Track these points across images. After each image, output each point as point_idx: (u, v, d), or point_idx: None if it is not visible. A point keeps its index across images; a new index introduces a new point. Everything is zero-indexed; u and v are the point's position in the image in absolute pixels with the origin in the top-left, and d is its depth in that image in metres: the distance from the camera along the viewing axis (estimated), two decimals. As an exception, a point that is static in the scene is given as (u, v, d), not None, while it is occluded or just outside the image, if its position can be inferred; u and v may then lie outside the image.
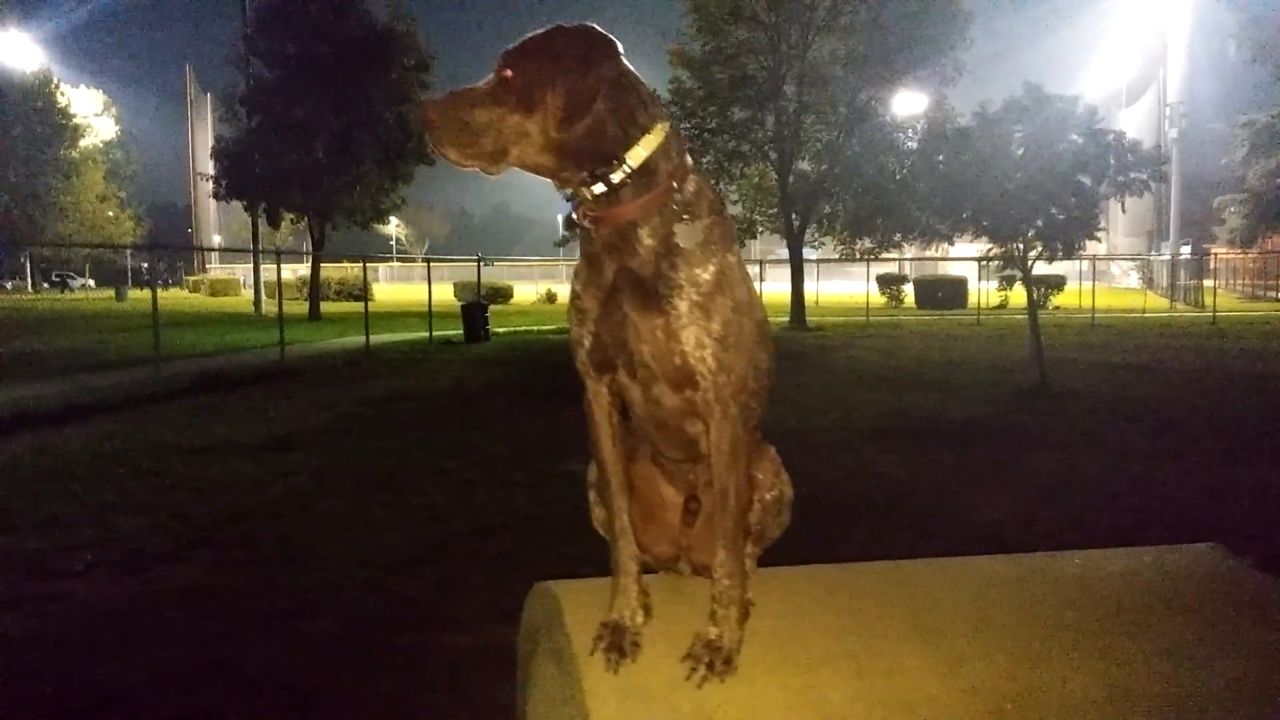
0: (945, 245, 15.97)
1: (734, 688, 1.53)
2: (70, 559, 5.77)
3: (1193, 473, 7.92)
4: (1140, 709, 1.59)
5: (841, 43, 27.30)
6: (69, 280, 73.95)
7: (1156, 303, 42.93)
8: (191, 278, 72.02)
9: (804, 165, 29.09)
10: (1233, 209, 51.84)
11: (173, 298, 53.09)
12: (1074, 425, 10.35)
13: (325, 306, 36.22)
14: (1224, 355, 18.76)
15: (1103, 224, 13.22)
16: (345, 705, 3.95)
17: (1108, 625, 1.71)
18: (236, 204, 39.49)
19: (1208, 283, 43.13)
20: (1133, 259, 59.08)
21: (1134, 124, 51.43)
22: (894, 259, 38.13)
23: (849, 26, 26.94)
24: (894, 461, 8.52)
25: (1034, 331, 13.41)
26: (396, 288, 61.99)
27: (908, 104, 28.22)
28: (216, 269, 77.50)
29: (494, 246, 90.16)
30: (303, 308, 33.98)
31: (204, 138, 69.36)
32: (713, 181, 1.83)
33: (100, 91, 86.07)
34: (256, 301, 40.19)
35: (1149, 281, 53.69)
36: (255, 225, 40.13)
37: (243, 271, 66.39)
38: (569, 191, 1.64)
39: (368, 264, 32.70)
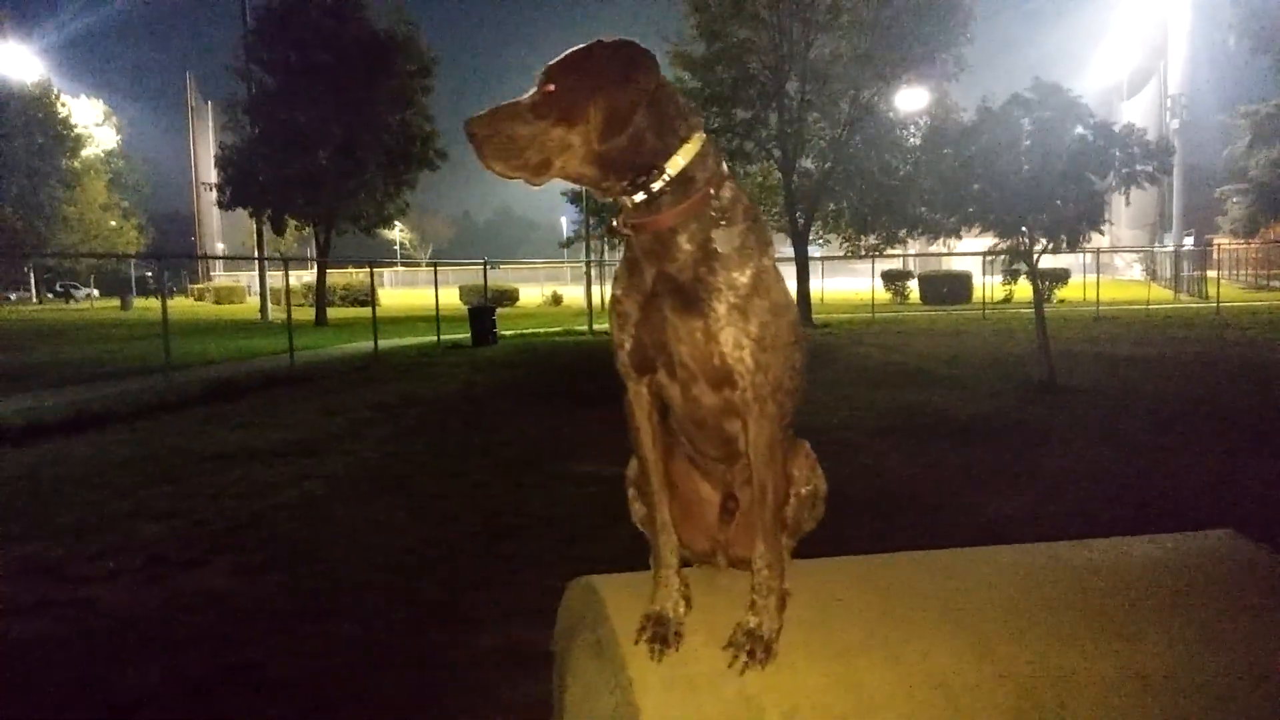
0: (951, 240, 15.98)
1: (775, 674, 1.58)
2: (92, 566, 5.83)
3: (1200, 465, 7.95)
4: (1166, 689, 1.65)
5: (844, 40, 27.34)
6: (73, 290, 74.15)
7: (1160, 294, 42.87)
8: (196, 286, 72.17)
9: (808, 163, 29.14)
10: (1235, 199, 51.91)
11: (178, 306, 53.12)
12: (1081, 419, 10.39)
13: (331, 312, 36.32)
14: (1229, 346, 18.76)
15: (1108, 216, 13.20)
16: (367, 707, 3.99)
17: (1133, 610, 1.76)
18: (239, 211, 39.62)
19: (1211, 273, 43.12)
20: (1136, 251, 59.05)
21: (1135, 116, 51.33)
22: (898, 255, 38.17)
23: (851, 24, 26.98)
24: (902, 458, 8.55)
25: (1040, 325, 13.44)
26: (401, 292, 62.09)
27: (910, 100, 28.26)
28: (221, 276, 77.68)
29: (498, 249, 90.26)
30: (309, 314, 34.07)
31: (206, 146, 69.68)
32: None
33: (101, 101, 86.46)
34: (263, 308, 40.29)
35: (1152, 273, 53.67)
36: (260, 233, 40.24)
37: (247, 278, 66.61)
38: (609, 199, 1.70)
39: (373, 269, 32.79)
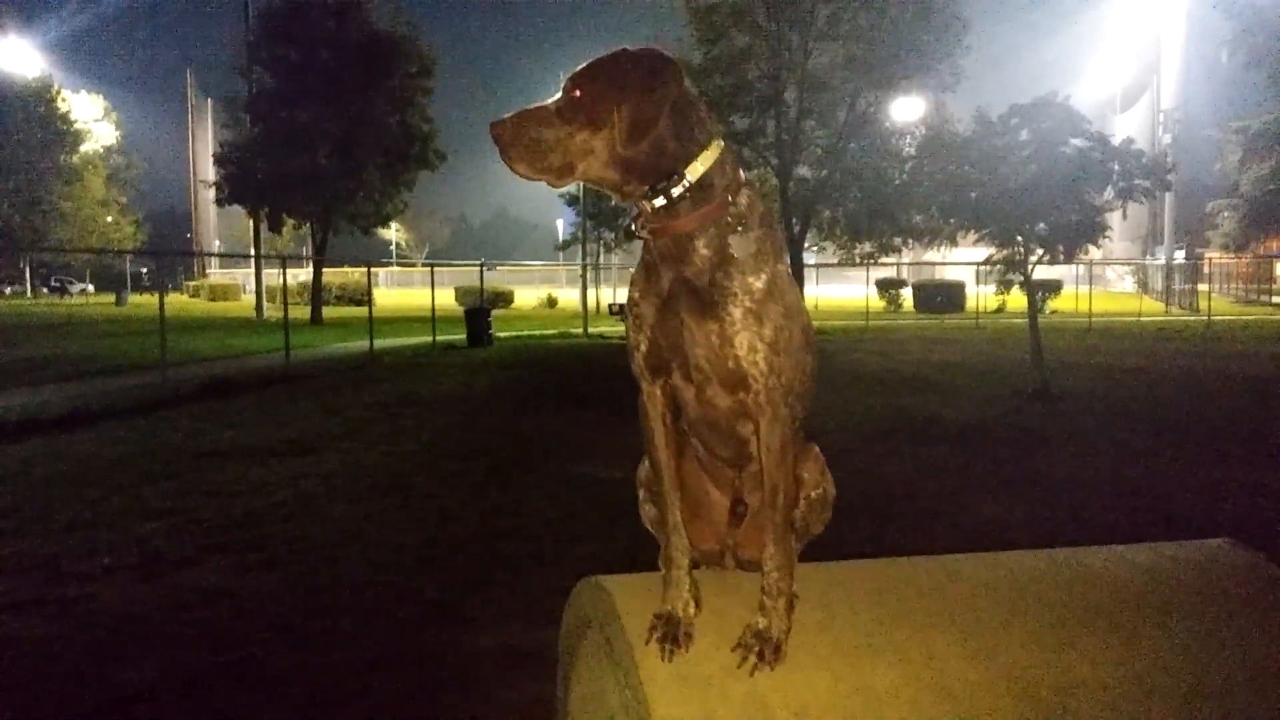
0: (946, 248, 16.00)
1: (783, 675, 1.61)
2: (88, 563, 5.82)
3: (1192, 472, 8.02)
4: (1167, 694, 1.68)
5: (842, 49, 27.44)
6: (68, 285, 73.98)
7: (1152, 307, 43.07)
8: (191, 282, 72.03)
9: (804, 170, 29.22)
10: (1226, 214, 52.10)
11: (173, 302, 52.97)
12: (1074, 427, 10.44)
13: (326, 311, 36.31)
14: (1219, 358, 18.87)
15: (1111, 227, 13.25)
16: (366, 705, 4.01)
17: (1134, 615, 1.80)
18: (236, 209, 39.61)
19: (1202, 287, 43.34)
20: (1128, 263, 59.24)
21: (1128, 130, 51.29)
22: (893, 263, 38.26)
23: (849, 33, 27.08)
24: (897, 462, 8.60)
25: (1034, 335, 13.51)
26: (397, 293, 62.04)
27: (906, 109, 28.37)
28: (216, 273, 77.59)
29: (494, 251, 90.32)
30: (305, 313, 34.04)
31: (204, 143, 69.54)
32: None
33: (100, 97, 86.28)
34: (259, 306, 40.26)
35: (1144, 286, 53.87)
36: (257, 230, 40.23)
37: (242, 276, 66.50)
38: (628, 204, 1.73)
39: (370, 269, 32.80)
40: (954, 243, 15.48)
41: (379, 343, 21.53)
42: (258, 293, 41.64)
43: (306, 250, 46.36)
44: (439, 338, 23.32)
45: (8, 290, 71.93)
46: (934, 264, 44.56)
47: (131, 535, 6.41)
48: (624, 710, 1.65)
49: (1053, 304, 38.06)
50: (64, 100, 68.65)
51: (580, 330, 28.81)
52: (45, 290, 73.99)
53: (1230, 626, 1.79)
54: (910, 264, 45.15)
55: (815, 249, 33.28)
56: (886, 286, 43.33)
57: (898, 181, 26.37)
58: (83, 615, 4.98)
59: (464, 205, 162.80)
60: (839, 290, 45.72)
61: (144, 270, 75.24)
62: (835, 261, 33.59)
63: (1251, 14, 37.07)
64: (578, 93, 1.65)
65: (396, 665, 4.33)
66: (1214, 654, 1.74)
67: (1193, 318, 35.78)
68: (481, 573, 5.63)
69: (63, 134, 66.90)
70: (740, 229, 1.67)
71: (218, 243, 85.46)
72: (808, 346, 1.76)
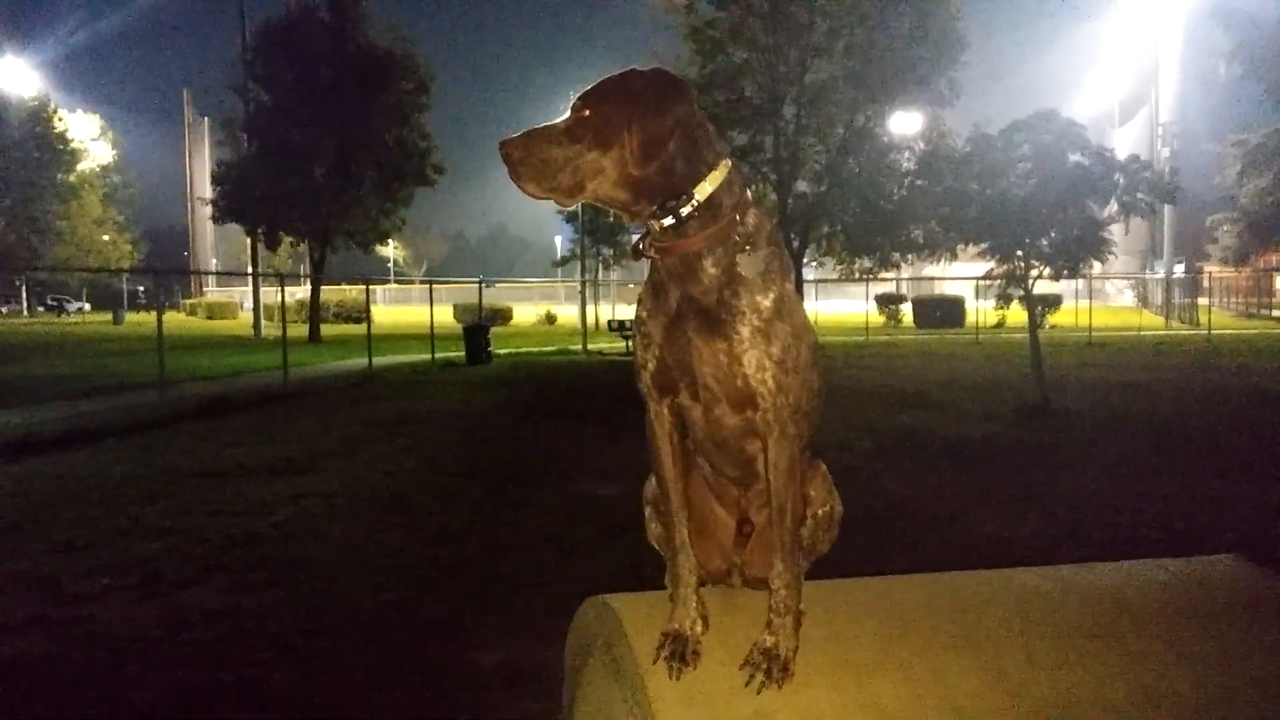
0: (945, 263, 16.02)
1: (791, 693, 1.60)
2: (88, 582, 5.82)
3: (1194, 488, 8.00)
4: (1174, 710, 1.67)
5: (840, 65, 27.56)
6: (65, 304, 74.04)
7: (1152, 321, 43.14)
8: (188, 300, 72.10)
9: (802, 186, 29.30)
10: (1225, 228, 52.23)
11: (170, 321, 53.01)
12: (1075, 442, 10.45)
13: (325, 329, 36.33)
14: (1220, 372, 18.88)
15: (1115, 242, 13.24)
16: (369, 723, 4.01)
17: (1140, 632, 1.79)
18: (233, 227, 39.66)
19: (1202, 301, 43.45)
20: (1127, 277, 59.38)
21: (1127, 143, 51.84)
22: (892, 278, 38.34)
23: (847, 49, 27.20)
24: (897, 478, 8.59)
25: (1035, 350, 13.51)
26: (395, 310, 62.08)
27: (905, 124, 28.47)
28: (214, 291, 77.66)
29: (491, 268, 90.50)
30: (303, 330, 34.06)
31: (201, 161, 69.82)
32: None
33: (97, 116, 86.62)
34: (256, 324, 40.27)
35: (1143, 300, 53.97)
36: (255, 248, 40.30)
37: (240, 294, 66.57)
38: (638, 223, 1.73)
39: (368, 286, 32.83)
40: (954, 256, 15.50)
41: (377, 360, 21.55)
42: (255, 311, 41.65)
43: (304, 268, 46.39)
44: (438, 355, 23.34)
45: (4, 309, 71.96)
46: (933, 279, 44.67)
47: (131, 554, 6.40)
48: (630, 728, 1.64)
49: (1052, 318, 38.11)
50: (60, 119, 68.78)
51: (579, 347, 28.84)
52: (42, 309, 74.04)
53: (1236, 642, 1.79)
54: (909, 279, 45.25)
55: (814, 264, 33.32)
56: (886, 302, 43.38)
57: (897, 196, 26.49)
58: (83, 635, 4.97)
59: (462, 222, 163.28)
60: (838, 306, 45.83)
61: (141, 289, 75.34)
62: (835, 277, 33.63)
63: (1250, 26, 37.23)
64: (587, 112, 1.65)
65: (397, 684, 4.32)
66: (1221, 670, 1.74)
67: (1193, 332, 35.86)
68: (482, 590, 5.62)
69: (59, 153, 66.97)
70: (748, 248, 1.68)
71: (215, 261, 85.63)
72: (815, 365, 1.77)
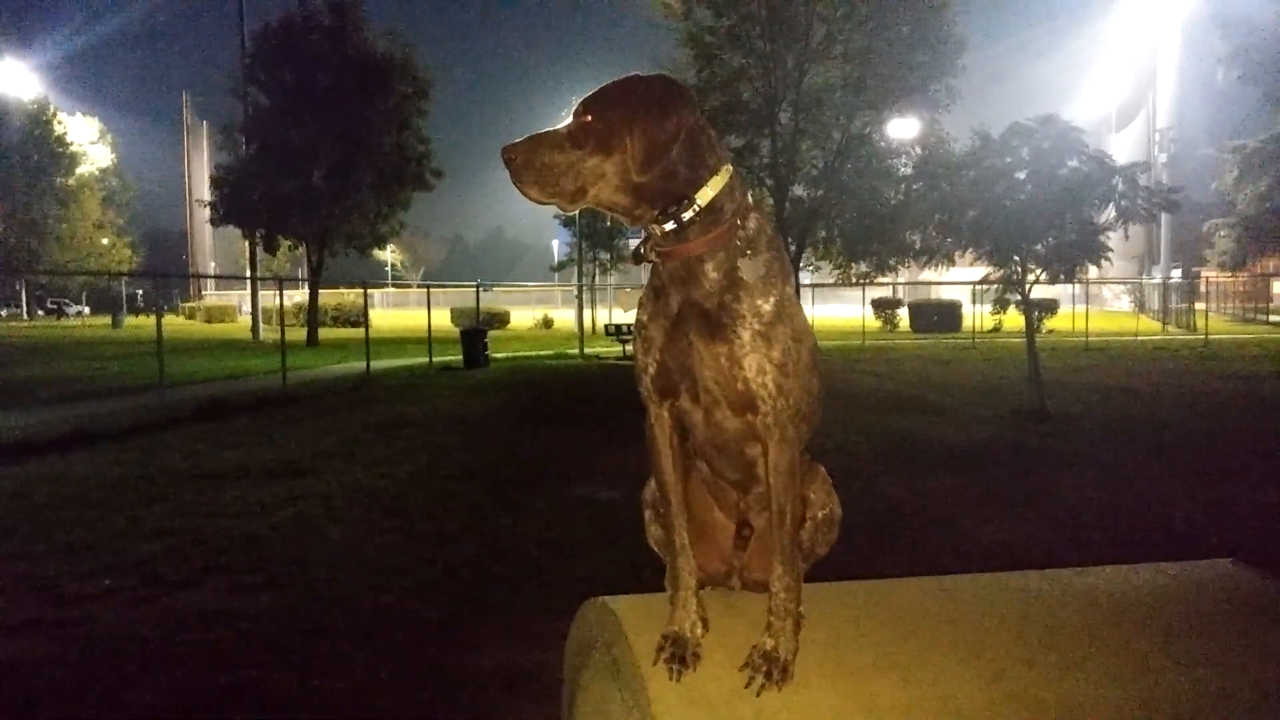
0: (943, 267, 16.01)
1: (790, 695, 1.61)
2: (88, 584, 5.82)
3: (1192, 492, 8.02)
4: (1172, 714, 1.68)
5: (837, 69, 27.57)
6: (64, 307, 74.01)
7: (1149, 326, 43.19)
8: (187, 304, 72.08)
9: (799, 190, 29.29)
10: (1223, 232, 52.27)
11: (169, 324, 52.97)
12: (1072, 447, 10.46)
13: (323, 333, 36.32)
14: (1217, 377, 18.89)
15: (1112, 246, 13.22)
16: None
17: (1139, 635, 1.80)
18: (232, 231, 39.62)
19: (1199, 306, 43.45)
20: (1124, 282, 59.44)
21: (1124, 148, 51.97)
22: (889, 283, 38.35)
23: (844, 54, 27.22)
24: (895, 481, 8.60)
25: (1032, 354, 13.52)
26: (393, 313, 62.09)
27: (902, 129, 28.48)
28: (212, 295, 77.65)
29: (489, 272, 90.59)
30: (301, 334, 34.05)
31: (200, 164, 69.85)
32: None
33: (96, 119, 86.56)
34: (255, 328, 40.25)
35: (1140, 304, 53.99)
36: (253, 252, 40.28)
37: (238, 297, 66.55)
38: (639, 227, 1.74)
39: (366, 290, 32.81)
40: (951, 262, 15.50)
41: (375, 364, 21.55)
42: (254, 314, 41.65)
43: (302, 272, 46.39)
44: (435, 359, 23.34)
45: (4, 312, 71.90)
46: (930, 283, 44.66)
47: (130, 556, 6.40)
48: (630, 730, 1.65)
49: (1049, 323, 38.12)
50: (60, 123, 68.85)
51: (576, 351, 28.83)
52: (42, 312, 74.03)
53: (1235, 646, 1.80)
54: (906, 283, 45.25)
55: (811, 269, 33.31)
56: (882, 306, 43.40)
57: (894, 201, 26.47)
58: (82, 636, 4.97)
59: (460, 226, 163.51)
60: (835, 310, 45.80)
61: (139, 292, 75.34)
62: (832, 281, 33.62)
63: (1248, 31, 37.26)
64: (589, 118, 1.66)
65: (396, 685, 4.32)
66: (1220, 674, 1.74)
67: (1190, 336, 35.88)
68: (480, 592, 5.62)
69: (58, 156, 67.06)
70: (749, 253, 1.69)
71: (213, 264, 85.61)
72: (814, 368, 1.78)
